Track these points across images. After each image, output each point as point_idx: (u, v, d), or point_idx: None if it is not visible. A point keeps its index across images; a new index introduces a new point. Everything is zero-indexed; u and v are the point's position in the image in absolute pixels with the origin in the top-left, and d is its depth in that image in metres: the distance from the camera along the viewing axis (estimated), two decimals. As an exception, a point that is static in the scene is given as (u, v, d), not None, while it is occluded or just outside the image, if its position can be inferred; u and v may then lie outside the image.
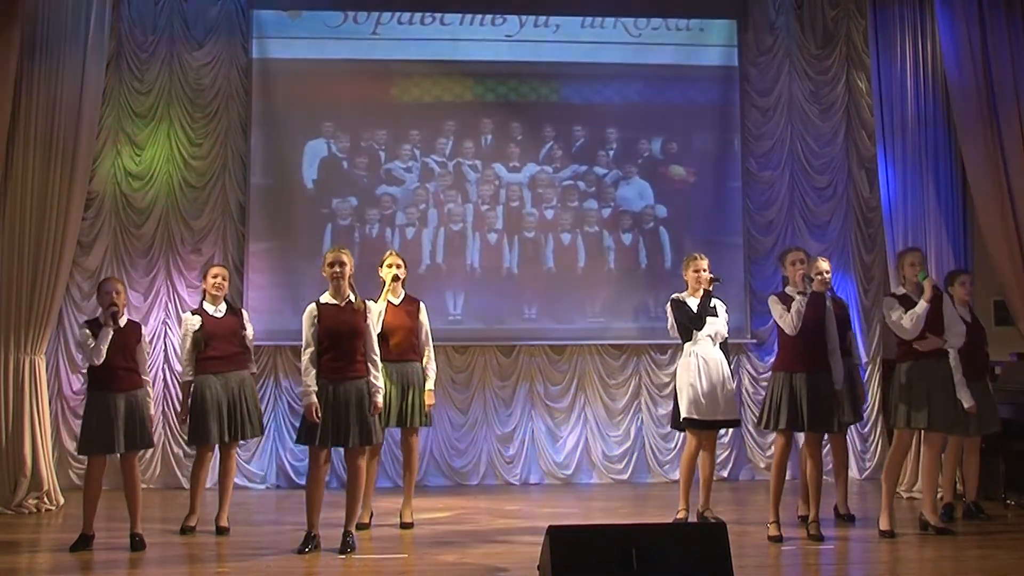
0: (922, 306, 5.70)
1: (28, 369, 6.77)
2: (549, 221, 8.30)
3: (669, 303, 6.22)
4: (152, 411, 5.68)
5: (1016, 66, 7.04)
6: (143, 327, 5.76)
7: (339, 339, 5.34)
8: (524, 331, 8.14)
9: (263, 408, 7.73)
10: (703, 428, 6.03)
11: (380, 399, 5.42)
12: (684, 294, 6.20)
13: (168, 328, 7.74)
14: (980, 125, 7.07)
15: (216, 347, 5.91)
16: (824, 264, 6.33)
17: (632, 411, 8.12)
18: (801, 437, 5.99)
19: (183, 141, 7.92)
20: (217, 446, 6.05)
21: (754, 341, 8.16)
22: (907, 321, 5.71)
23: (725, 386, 6.02)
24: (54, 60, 6.90)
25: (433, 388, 6.15)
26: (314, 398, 5.28)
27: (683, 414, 6.01)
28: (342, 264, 5.42)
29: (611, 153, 8.40)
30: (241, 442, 7.61)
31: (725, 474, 8.04)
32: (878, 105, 7.63)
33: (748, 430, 8.06)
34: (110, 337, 5.43)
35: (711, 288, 6.11)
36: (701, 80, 8.47)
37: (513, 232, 8.26)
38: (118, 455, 5.54)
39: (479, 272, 8.21)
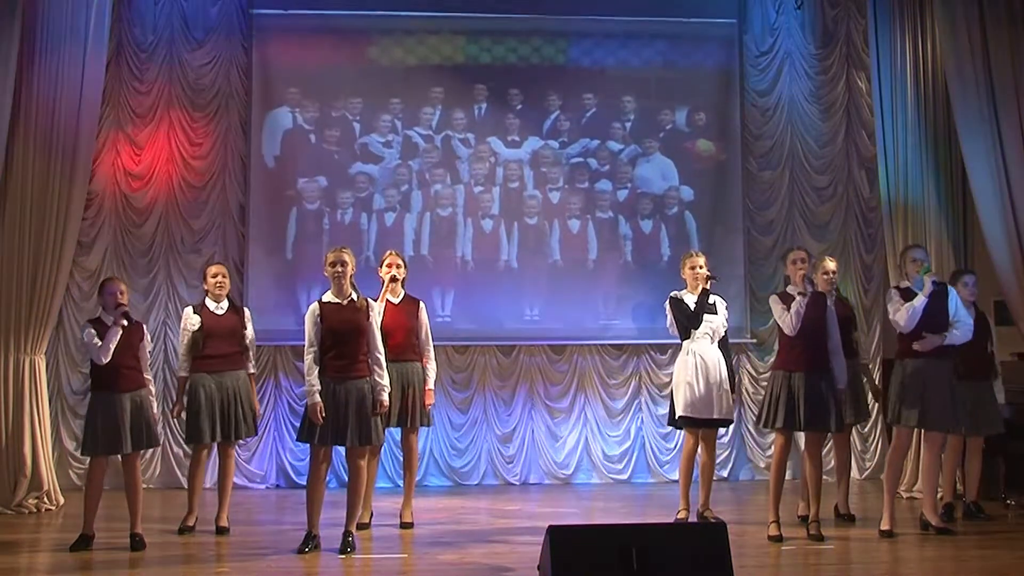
0: (920, 300, 5.68)
1: (28, 369, 6.77)
2: (554, 205, 7.50)
3: (668, 301, 6.25)
4: (156, 410, 5.71)
5: (1016, 66, 7.04)
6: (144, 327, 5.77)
7: (341, 338, 5.36)
8: (525, 334, 7.65)
9: (263, 408, 7.77)
10: (699, 427, 6.08)
11: (386, 397, 5.44)
12: (683, 292, 6.22)
13: (168, 328, 7.73)
14: (980, 125, 7.07)
15: (213, 346, 5.91)
16: (831, 264, 6.34)
17: (632, 411, 8.11)
18: (801, 437, 6.00)
19: (183, 141, 7.90)
20: (215, 446, 6.06)
21: (754, 341, 8.13)
22: (902, 314, 5.70)
23: (722, 385, 6.04)
24: (54, 60, 6.89)
25: (433, 388, 6.15)
26: (318, 397, 5.30)
27: (679, 412, 6.06)
28: (344, 264, 5.46)
29: (627, 125, 7.56)
30: (240, 442, 7.62)
31: (725, 474, 8.04)
32: (878, 105, 7.64)
33: (748, 430, 8.07)
34: (119, 336, 5.45)
35: (708, 286, 6.13)
36: (729, 42, 7.75)
37: (512, 218, 7.49)
38: (120, 455, 5.54)
39: (472, 265, 7.53)
